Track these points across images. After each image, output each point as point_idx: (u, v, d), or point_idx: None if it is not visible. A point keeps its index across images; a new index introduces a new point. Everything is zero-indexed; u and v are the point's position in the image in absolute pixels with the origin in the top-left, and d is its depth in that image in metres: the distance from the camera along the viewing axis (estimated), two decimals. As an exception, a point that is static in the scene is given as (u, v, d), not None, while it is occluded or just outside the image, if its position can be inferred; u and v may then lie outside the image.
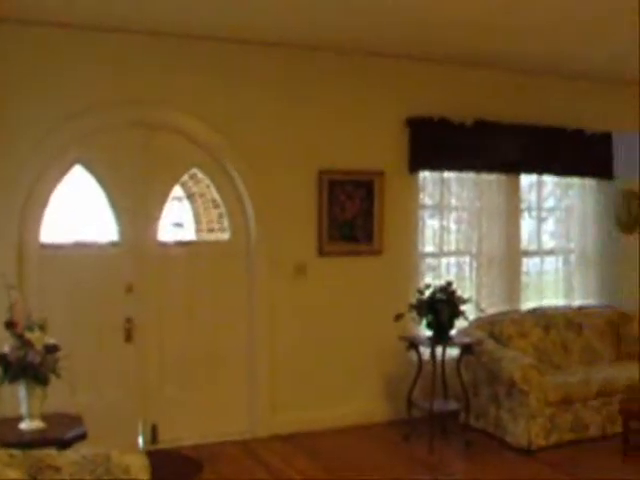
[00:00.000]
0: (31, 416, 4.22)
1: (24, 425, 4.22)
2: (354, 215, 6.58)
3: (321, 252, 6.48)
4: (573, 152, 7.47)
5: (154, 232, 5.97)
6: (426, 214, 7.02)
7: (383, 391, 6.73)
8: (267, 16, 5.40)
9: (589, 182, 7.73)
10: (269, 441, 6.15)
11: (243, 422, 6.26)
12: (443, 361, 6.18)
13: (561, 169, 7.51)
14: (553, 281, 7.72)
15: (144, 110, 5.85)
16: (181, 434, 5.98)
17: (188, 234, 6.18)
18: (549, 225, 7.83)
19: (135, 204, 5.88)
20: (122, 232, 5.85)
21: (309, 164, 6.41)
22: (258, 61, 6.20)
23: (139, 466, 3.13)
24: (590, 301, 7.69)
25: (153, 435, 5.92)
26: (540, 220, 7.70)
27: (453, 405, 6.28)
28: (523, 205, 7.54)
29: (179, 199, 6.12)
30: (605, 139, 7.67)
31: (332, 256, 6.51)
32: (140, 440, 5.81)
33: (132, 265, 5.87)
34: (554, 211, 7.79)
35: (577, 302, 7.62)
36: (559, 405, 6.00)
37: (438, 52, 6.51)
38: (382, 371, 6.70)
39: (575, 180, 7.68)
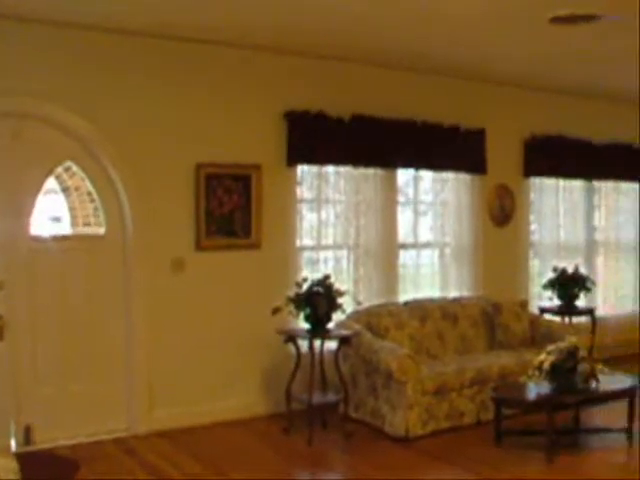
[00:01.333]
0: None
1: None
2: (232, 209, 6.69)
3: (199, 247, 6.57)
4: (449, 147, 7.87)
5: (26, 226, 5.91)
6: (304, 208, 7.21)
7: (263, 385, 6.89)
8: (141, 6, 5.44)
9: (464, 177, 8.16)
10: (148, 438, 6.20)
11: (121, 420, 6.30)
12: (321, 354, 6.40)
13: (437, 164, 7.88)
14: (429, 273, 8.12)
15: (13, 100, 5.77)
16: (57, 434, 5.96)
17: (64, 228, 6.15)
18: (426, 219, 8.22)
19: (4, 198, 5.80)
20: (-11, 226, 5.75)
21: (186, 158, 6.48)
22: (133, 52, 6.22)
23: (7, 469, 3.13)
24: (465, 292, 8.11)
25: (27, 436, 5.86)
26: (417, 214, 8.06)
27: (332, 397, 6.49)
28: (401, 199, 7.89)
29: (54, 192, 6.08)
30: (479, 135, 8.19)
31: (210, 251, 6.62)
32: (12, 442, 5.78)
33: (1, 261, 5.80)
34: (431, 205, 8.15)
35: (453, 294, 8.02)
36: (435, 394, 6.33)
37: (315, 46, 6.69)
38: (261, 365, 6.86)
39: (450, 175, 8.09)
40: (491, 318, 7.66)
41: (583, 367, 6.10)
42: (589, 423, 6.73)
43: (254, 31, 6.23)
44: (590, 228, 9.58)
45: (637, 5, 5.25)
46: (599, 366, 6.34)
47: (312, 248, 7.28)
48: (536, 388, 6.09)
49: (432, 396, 6.34)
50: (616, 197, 9.87)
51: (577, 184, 9.36)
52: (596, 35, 6.15)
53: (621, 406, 6.39)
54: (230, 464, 5.69)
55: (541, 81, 8.32)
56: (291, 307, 6.24)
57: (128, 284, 6.33)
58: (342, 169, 7.32)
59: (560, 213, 9.23)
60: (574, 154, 9.07)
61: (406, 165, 7.72)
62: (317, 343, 6.33)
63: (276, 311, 6.23)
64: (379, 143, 7.36)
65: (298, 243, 7.11)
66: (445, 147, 7.85)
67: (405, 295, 7.72)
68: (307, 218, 7.29)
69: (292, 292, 6.32)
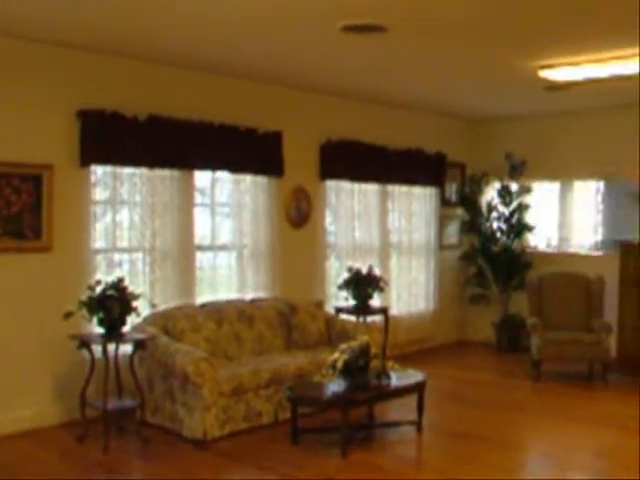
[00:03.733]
0: None
1: None
2: (21, 210, 6.53)
3: (-16, 249, 6.36)
4: (246, 150, 8.07)
5: None
6: (99, 209, 7.16)
7: (56, 393, 6.78)
8: None
9: (261, 179, 8.39)
10: None
11: None
12: (116, 358, 6.43)
13: (234, 166, 8.05)
14: (227, 275, 8.30)
15: None
16: None
17: None
18: (225, 221, 8.36)
19: None
20: None
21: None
22: None
23: None
24: (262, 294, 8.35)
25: None
26: (215, 216, 8.22)
27: (129, 402, 6.51)
28: (200, 201, 8.01)
29: None
30: (276, 138, 8.44)
31: (-3, 253, 6.43)
32: None
33: None
34: (229, 207, 8.30)
35: (250, 295, 8.23)
36: (232, 395, 6.51)
37: (110, 43, 6.69)
38: (53, 372, 6.75)
39: (248, 177, 8.28)
40: (287, 319, 7.94)
41: (375, 364, 6.48)
42: (382, 418, 7.15)
43: (47, 26, 6.14)
44: (384, 230, 10.09)
45: (424, 19, 5.68)
46: (390, 363, 6.75)
47: (107, 250, 7.23)
48: (331, 386, 6.40)
49: (229, 397, 6.51)
50: (409, 201, 10.46)
51: (372, 187, 9.84)
52: (386, 45, 6.55)
53: (412, 400, 6.84)
54: (19, 478, 5.55)
55: (337, 87, 8.72)
56: (84, 311, 6.18)
57: None
58: (138, 170, 7.31)
59: (356, 215, 9.66)
60: (369, 159, 9.57)
61: (203, 167, 7.83)
62: (112, 348, 6.33)
63: (68, 316, 6.13)
64: (176, 144, 7.44)
65: (92, 245, 7.04)
66: (242, 149, 8.05)
67: (202, 297, 7.84)
68: (102, 220, 7.24)
69: (85, 296, 6.24)
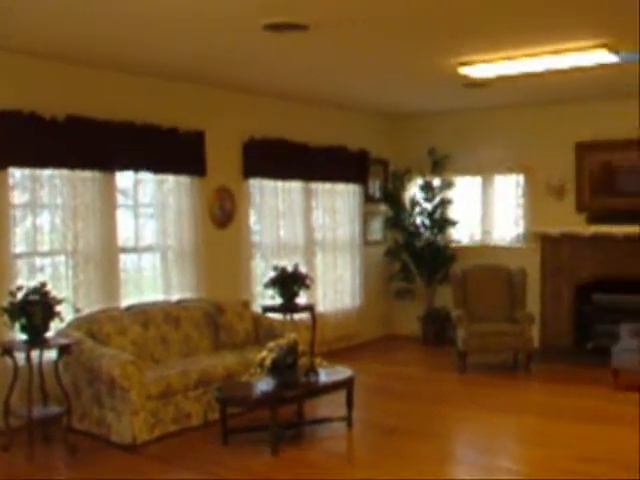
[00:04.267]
0: None
1: None
2: None
3: None
4: (168, 150, 8.01)
5: None
6: (18, 213, 6.99)
7: (-24, 403, 6.65)
8: None
9: (184, 179, 8.35)
10: None
11: None
12: (41, 365, 6.32)
13: (157, 166, 7.98)
14: (152, 277, 8.22)
15: None
16: None
17: None
18: (148, 222, 8.28)
19: None
20: None
21: None
22: None
23: None
24: (188, 295, 8.30)
25: None
26: (138, 217, 8.13)
27: (55, 409, 6.42)
28: (122, 202, 7.92)
29: None
30: (198, 137, 8.41)
31: None
32: None
33: None
34: (153, 208, 8.22)
35: (176, 296, 8.18)
36: (160, 398, 6.48)
37: (25, 43, 6.55)
38: (-26, 381, 6.60)
39: (171, 177, 8.23)
40: (214, 319, 7.93)
41: (303, 362, 6.53)
42: (312, 415, 7.20)
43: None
44: (309, 228, 10.15)
45: (345, 17, 5.75)
46: (318, 360, 6.82)
47: (28, 255, 7.08)
48: (259, 385, 6.43)
49: (157, 400, 6.49)
50: (332, 198, 10.54)
51: (296, 185, 9.88)
52: (308, 43, 6.59)
53: (341, 396, 6.91)
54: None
55: (260, 85, 8.72)
56: (5, 318, 6.07)
57: None
58: (58, 172, 7.18)
59: (280, 214, 9.69)
60: (292, 157, 9.61)
61: (125, 167, 7.75)
62: (36, 354, 6.24)
63: (-12, 323, 6.02)
64: (96, 145, 7.33)
65: (12, 250, 6.88)
66: (165, 149, 7.99)
67: (128, 300, 7.76)
68: (22, 224, 7.07)
69: (6, 302, 6.13)
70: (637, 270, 9.38)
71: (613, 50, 6.82)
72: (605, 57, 6.98)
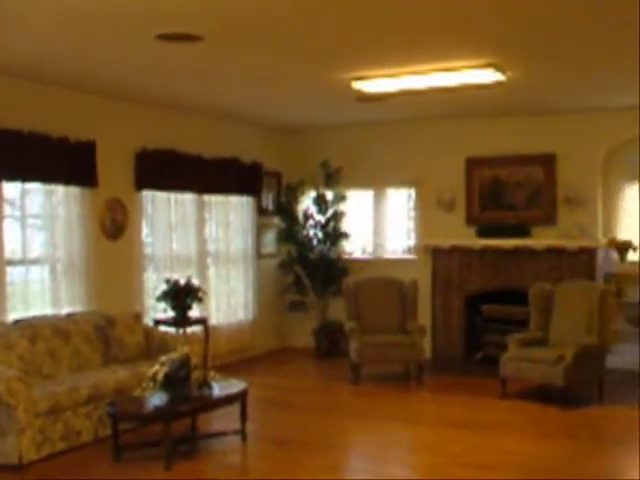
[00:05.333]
0: None
1: None
2: None
3: None
4: (57, 160, 7.81)
5: None
6: None
7: None
8: None
9: (74, 190, 8.17)
10: None
11: None
12: None
13: (45, 176, 7.77)
14: (40, 290, 7.99)
15: None
16: None
17: None
18: (37, 233, 8.02)
19: None
20: None
21: None
22: None
23: None
24: (78, 308, 8.11)
25: None
26: (26, 228, 7.85)
27: None
28: (9, 212, 7.64)
29: None
30: (89, 147, 8.25)
31: None
32: None
33: None
34: (41, 219, 7.97)
35: (65, 310, 7.97)
36: (49, 415, 6.31)
37: None
38: None
39: (60, 188, 8.02)
40: (105, 333, 7.79)
41: (196, 375, 6.49)
42: (206, 429, 7.17)
43: None
44: (202, 240, 10.09)
45: (240, 30, 5.78)
46: (212, 373, 6.80)
47: None
48: (152, 400, 6.35)
49: (45, 417, 6.32)
50: (225, 210, 10.52)
51: (188, 197, 9.81)
52: (202, 55, 6.59)
53: (235, 410, 6.91)
54: None
55: (153, 95, 8.64)
56: None
57: None
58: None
59: (173, 226, 9.61)
60: (185, 168, 9.55)
61: (12, 177, 7.50)
62: None
63: None
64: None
65: None
66: (54, 159, 7.79)
67: (15, 314, 7.51)
68: None
69: None
70: (524, 281, 9.71)
71: (500, 69, 7.08)
72: (492, 76, 7.24)
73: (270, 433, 7.18)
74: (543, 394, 8.29)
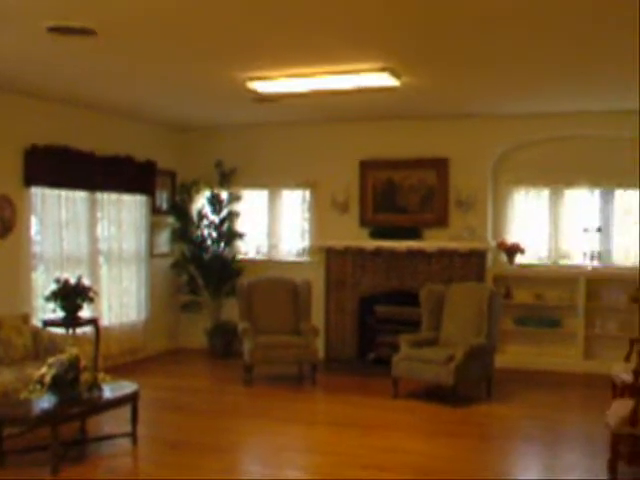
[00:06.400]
0: None
1: None
2: None
3: None
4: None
5: None
6: None
7: None
8: None
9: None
10: None
11: None
12: None
13: None
14: None
15: None
16: None
17: None
18: None
19: None
20: None
21: None
22: None
23: None
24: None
25: None
26: None
27: None
28: None
29: None
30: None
31: None
32: None
33: None
34: None
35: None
36: None
37: None
38: None
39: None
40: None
41: (85, 377, 6.35)
42: (96, 432, 7.02)
43: None
44: (94, 239, 9.88)
45: (135, 26, 5.68)
46: (102, 375, 6.66)
47: None
48: (39, 402, 6.17)
49: None
50: (118, 209, 10.34)
51: (80, 195, 9.59)
52: (96, 49, 6.45)
53: (126, 412, 6.80)
54: None
55: (44, 90, 8.40)
56: None
57: None
58: None
59: (63, 224, 9.36)
60: (77, 165, 9.33)
61: None
62: None
63: None
64: None
65: None
66: None
67: None
68: None
69: None
70: (416, 283, 9.89)
71: (395, 74, 7.19)
72: (387, 80, 7.34)
73: (162, 436, 7.09)
74: (434, 393, 8.47)
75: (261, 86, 7.76)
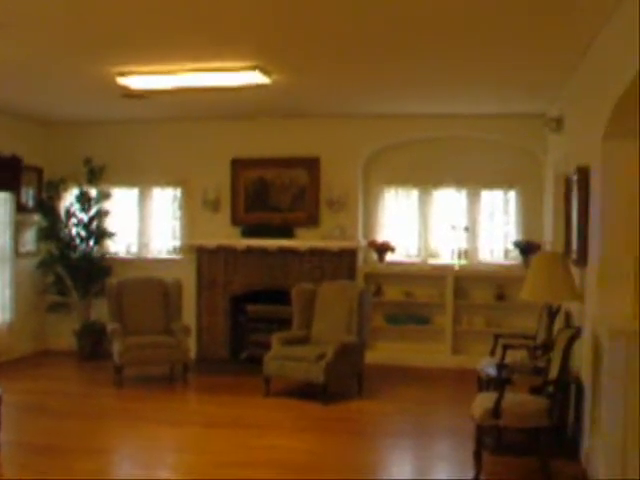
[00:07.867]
0: None
1: None
2: None
3: None
4: None
5: None
6: None
7: None
8: None
9: None
10: None
11: None
12: None
13: None
14: None
15: None
16: None
17: None
18: None
19: None
20: None
21: None
22: None
23: None
24: None
25: None
26: None
27: None
28: None
29: None
30: None
31: None
32: None
33: None
34: None
35: None
36: None
37: None
38: None
39: None
40: None
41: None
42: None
43: None
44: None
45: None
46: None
47: None
48: None
49: None
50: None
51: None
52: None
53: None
54: None
55: None
56: None
57: None
58: None
59: None
60: None
61: None
62: None
63: None
64: None
65: None
66: None
67: None
68: None
69: None
70: (288, 281, 10.00)
71: (265, 72, 7.25)
72: (257, 78, 7.40)
73: (28, 440, 6.92)
74: (306, 391, 8.58)
75: (130, 82, 7.67)
